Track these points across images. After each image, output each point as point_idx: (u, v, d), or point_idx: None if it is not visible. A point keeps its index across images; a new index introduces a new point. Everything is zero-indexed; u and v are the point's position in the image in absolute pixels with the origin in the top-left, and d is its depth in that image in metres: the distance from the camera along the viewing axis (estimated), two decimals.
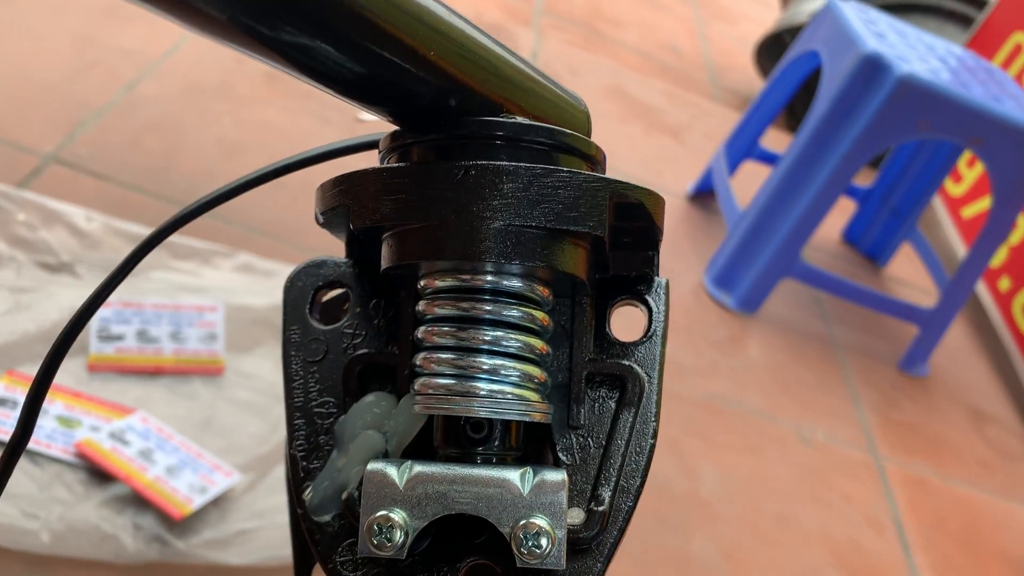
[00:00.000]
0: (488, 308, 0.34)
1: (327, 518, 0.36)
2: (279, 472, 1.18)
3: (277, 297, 1.38)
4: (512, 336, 0.34)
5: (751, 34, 3.28)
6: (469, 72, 0.34)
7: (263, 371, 1.30)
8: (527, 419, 0.34)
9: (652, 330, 0.38)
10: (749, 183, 2.15)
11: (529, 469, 0.33)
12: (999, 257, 2.28)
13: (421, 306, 0.35)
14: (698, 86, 2.95)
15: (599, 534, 0.35)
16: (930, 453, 1.83)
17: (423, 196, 0.33)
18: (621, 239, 0.36)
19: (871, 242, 2.41)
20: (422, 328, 0.35)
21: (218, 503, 1.10)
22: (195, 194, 1.58)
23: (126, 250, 1.37)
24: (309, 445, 0.37)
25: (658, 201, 0.36)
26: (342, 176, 0.35)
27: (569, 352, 0.37)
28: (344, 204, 0.35)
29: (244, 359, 1.30)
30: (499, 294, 0.34)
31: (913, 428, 1.88)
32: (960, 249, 2.41)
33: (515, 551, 0.32)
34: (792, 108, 2.72)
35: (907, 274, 2.41)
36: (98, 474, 1.08)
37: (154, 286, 1.34)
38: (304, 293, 0.39)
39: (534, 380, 0.35)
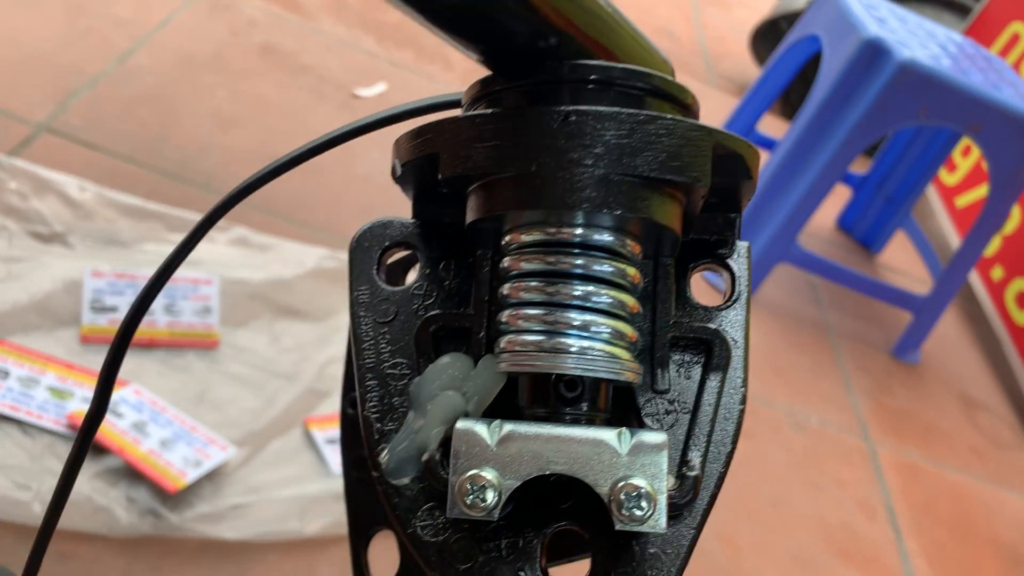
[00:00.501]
0: (579, 262, 0.32)
1: (405, 481, 0.34)
2: (275, 447, 1.17)
3: (272, 271, 1.37)
4: (604, 291, 0.33)
5: (747, 20, 3.27)
6: (569, 13, 0.32)
7: (258, 345, 1.28)
8: (619, 378, 0.32)
9: (736, 294, 0.36)
10: None
11: (625, 430, 0.31)
12: (992, 246, 2.29)
13: (506, 262, 0.34)
14: (693, 72, 2.93)
15: (692, 500, 0.33)
16: (922, 439, 1.84)
17: (519, 143, 0.31)
18: (708, 199, 0.35)
19: (865, 229, 2.41)
20: (508, 284, 0.34)
21: (212, 477, 1.09)
22: (189, 166, 1.56)
23: (120, 221, 1.35)
24: (383, 407, 0.35)
25: (756, 155, 0.34)
26: (429, 124, 0.34)
27: (652, 315, 0.36)
28: (432, 153, 0.33)
29: (239, 333, 1.29)
30: (589, 248, 0.33)
31: (905, 414, 1.89)
32: (953, 238, 2.42)
33: (614, 513, 0.30)
34: (787, 95, 2.71)
35: (900, 262, 2.42)
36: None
37: (148, 258, 1.32)
38: (371, 253, 0.37)
39: (625, 338, 0.33)
